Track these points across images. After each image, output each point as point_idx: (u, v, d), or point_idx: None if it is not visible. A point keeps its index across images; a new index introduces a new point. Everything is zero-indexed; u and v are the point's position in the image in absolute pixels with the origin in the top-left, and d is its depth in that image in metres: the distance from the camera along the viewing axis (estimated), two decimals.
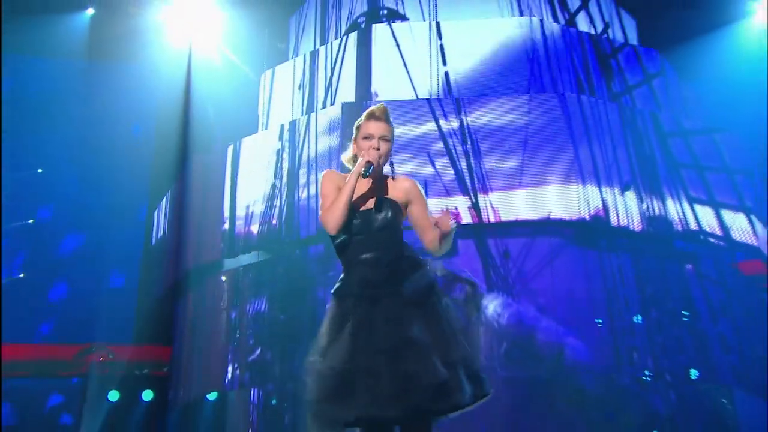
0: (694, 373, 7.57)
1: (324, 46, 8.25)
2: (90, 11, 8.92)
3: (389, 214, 2.83)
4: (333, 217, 2.73)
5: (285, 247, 7.41)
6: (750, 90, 8.55)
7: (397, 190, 2.93)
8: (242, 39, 9.13)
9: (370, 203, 2.85)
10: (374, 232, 2.81)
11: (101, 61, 9.42)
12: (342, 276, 2.85)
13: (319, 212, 2.87)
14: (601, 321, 7.60)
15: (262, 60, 8.97)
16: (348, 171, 2.91)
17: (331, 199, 2.81)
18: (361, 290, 2.72)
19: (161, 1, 8.73)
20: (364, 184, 2.91)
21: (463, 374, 2.58)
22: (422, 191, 3.01)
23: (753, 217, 8.02)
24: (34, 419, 8.61)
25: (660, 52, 8.32)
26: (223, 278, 7.71)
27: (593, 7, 8.44)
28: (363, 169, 2.77)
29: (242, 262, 7.61)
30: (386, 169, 3.02)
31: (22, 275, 9.37)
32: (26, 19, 8.65)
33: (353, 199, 2.81)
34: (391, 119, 2.93)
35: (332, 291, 2.85)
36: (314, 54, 8.29)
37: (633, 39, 8.53)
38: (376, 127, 2.85)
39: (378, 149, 2.81)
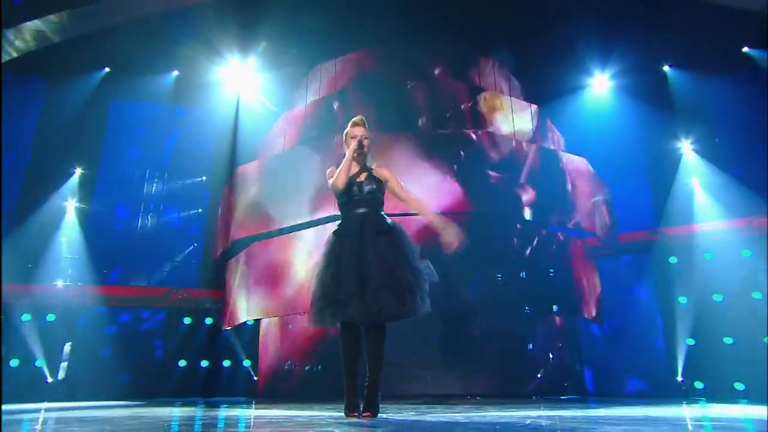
0: (555, 307, 7.73)
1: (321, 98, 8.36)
2: (175, 72, 9.22)
3: (373, 186, 3.00)
4: (339, 179, 2.92)
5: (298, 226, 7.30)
6: (591, 132, 8.79)
7: (378, 173, 3.08)
8: (272, 90, 9.36)
9: (362, 178, 3.02)
10: (364, 195, 2.97)
11: (181, 105, 9.69)
12: (341, 222, 3.00)
13: (329, 185, 2.99)
14: (500, 276, 7.62)
15: (285, 104, 9.10)
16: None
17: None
18: (354, 232, 2.84)
19: (219, 66, 8.97)
20: (359, 170, 3.04)
21: (411, 295, 2.71)
22: (395, 175, 3.10)
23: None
24: (138, 332, 8.75)
25: (538, 105, 8.50)
26: (254, 246, 7.68)
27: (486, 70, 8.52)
28: (356, 147, 2.97)
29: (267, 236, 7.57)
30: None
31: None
32: (134, 78, 8.96)
33: (352, 176, 2.98)
34: (366, 125, 3.11)
35: (333, 232, 2.98)
36: (317, 101, 8.39)
37: (519, 96, 8.56)
38: (358, 130, 3.06)
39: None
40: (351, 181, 2.98)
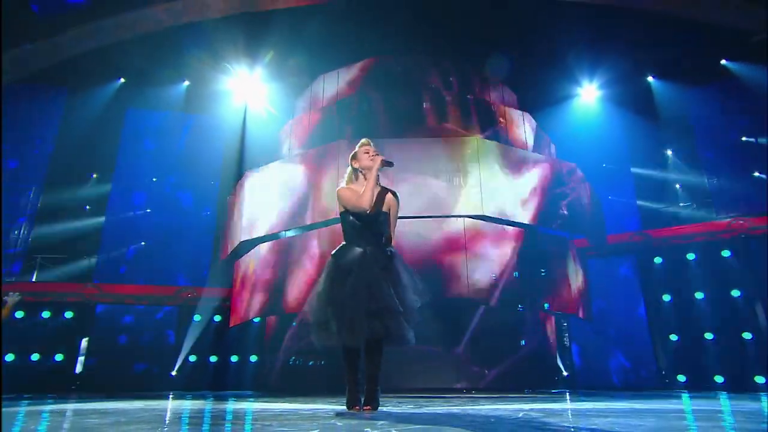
0: (546, 305, 7.62)
1: (324, 108, 8.42)
2: (186, 83, 9.29)
3: (382, 218, 2.89)
4: (365, 199, 2.77)
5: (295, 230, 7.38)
6: (581, 139, 8.92)
7: (386, 201, 2.92)
8: (277, 100, 9.45)
9: (373, 210, 2.85)
10: (373, 228, 2.85)
11: (192, 113, 9.75)
12: (344, 249, 2.83)
13: (349, 205, 2.81)
14: (494, 275, 7.30)
15: (289, 113, 9.12)
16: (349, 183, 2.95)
17: (356, 197, 2.80)
18: (356, 260, 2.75)
19: (228, 77, 9.07)
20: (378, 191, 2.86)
21: (404, 322, 2.65)
22: (398, 204, 2.96)
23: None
24: (150, 327, 8.77)
25: (532, 114, 8.49)
26: (260, 247, 7.71)
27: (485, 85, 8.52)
28: (383, 163, 2.82)
29: (272, 238, 7.59)
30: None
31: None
32: (148, 88, 9.01)
33: (366, 206, 2.79)
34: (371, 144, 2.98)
35: (333, 253, 2.84)
36: (320, 110, 8.35)
37: (514, 106, 8.56)
38: (370, 148, 2.95)
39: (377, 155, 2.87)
40: (365, 214, 2.83)
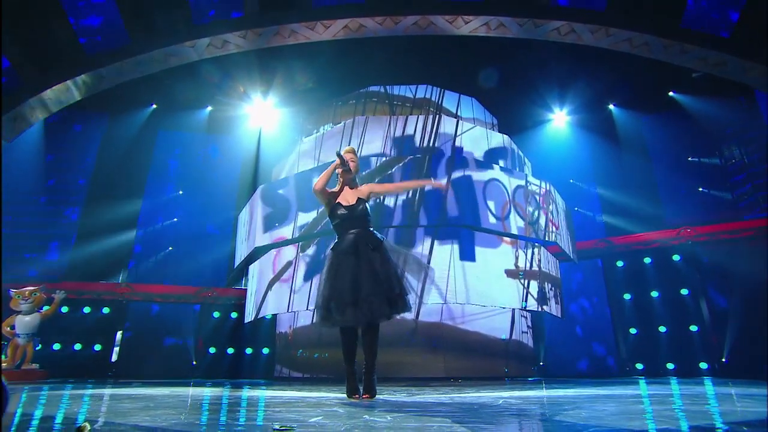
0: (524, 304, 7.86)
1: (332, 127, 8.41)
2: (209, 108, 9.32)
3: (362, 207, 2.92)
4: (318, 182, 2.91)
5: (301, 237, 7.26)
6: (552, 158, 8.97)
7: (362, 192, 3.01)
8: (288, 122, 9.40)
9: (353, 201, 2.94)
10: (355, 218, 2.89)
11: (213, 134, 9.70)
12: (336, 241, 2.92)
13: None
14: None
15: (299, 133, 9.09)
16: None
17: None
18: (348, 249, 2.78)
19: (245, 103, 9.06)
20: (350, 192, 2.96)
21: (401, 300, 2.70)
22: (371, 184, 3.11)
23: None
24: (177, 320, 8.65)
25: (510, 136, 8.35)
26: (271, 253, 7.59)
27: (468, 107, 8.42)
28: (338, 161, 2.94)
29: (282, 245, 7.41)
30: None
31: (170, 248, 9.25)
32: (176, 112, 9.07)
33: (343, 200, 2.92)
34: (355, 152, 3.14)
35: (331, 248, 2.94)
36: (324, 132, 8.30)
37: (496, 129, 8.60)
38: (346, 154, 3.09)
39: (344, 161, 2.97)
40: (344, 205, 2.89)
